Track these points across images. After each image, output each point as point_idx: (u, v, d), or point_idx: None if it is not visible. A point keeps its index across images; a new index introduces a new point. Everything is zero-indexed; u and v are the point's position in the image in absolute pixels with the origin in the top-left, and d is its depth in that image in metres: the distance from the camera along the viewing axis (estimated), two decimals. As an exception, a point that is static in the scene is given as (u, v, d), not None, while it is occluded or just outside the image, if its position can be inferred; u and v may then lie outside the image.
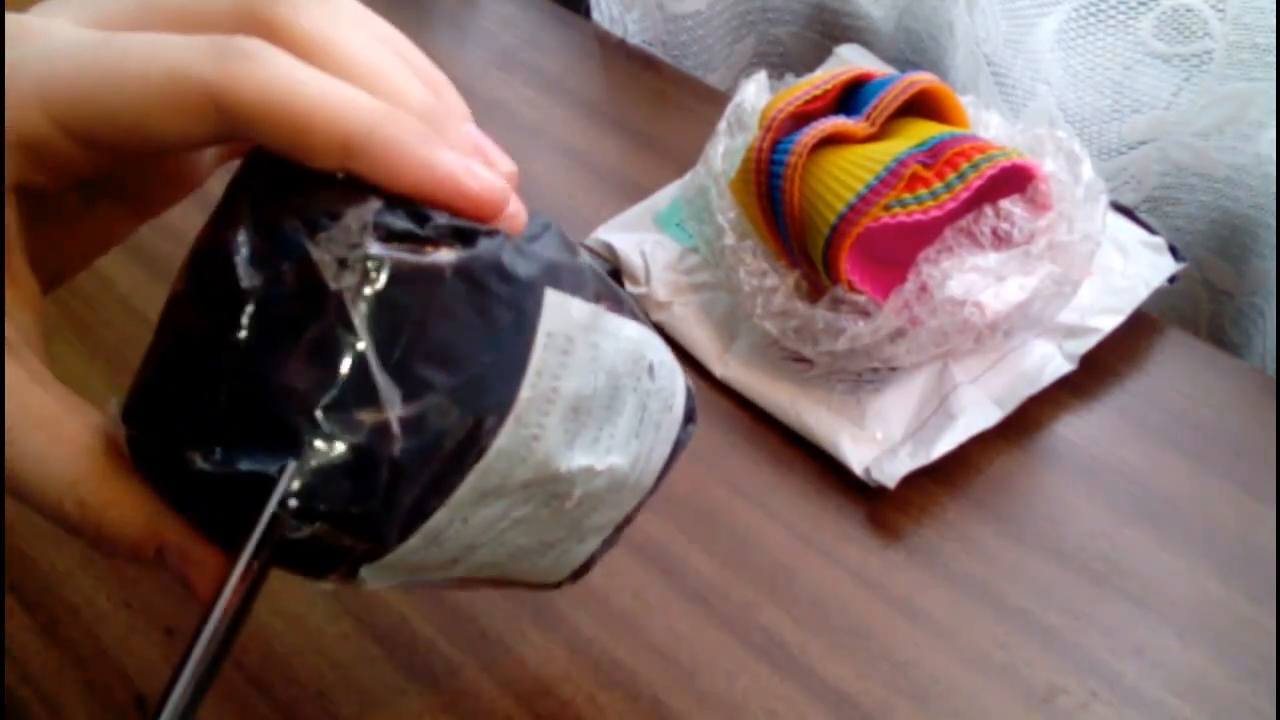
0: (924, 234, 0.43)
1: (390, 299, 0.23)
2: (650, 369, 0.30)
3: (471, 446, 0.24)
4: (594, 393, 0.27)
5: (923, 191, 0.43)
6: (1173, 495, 0.44)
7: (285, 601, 0.43)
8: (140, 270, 0.55)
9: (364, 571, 0.25)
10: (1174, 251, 0.49)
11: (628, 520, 0.34)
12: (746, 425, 0.47)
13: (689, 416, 0.34)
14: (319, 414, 0.22)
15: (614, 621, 0.42)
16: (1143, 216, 0.50)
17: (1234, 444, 0.45)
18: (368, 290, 0.23)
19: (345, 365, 0.22)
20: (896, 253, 0.43)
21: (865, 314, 0.44)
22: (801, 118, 0.46)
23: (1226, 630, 0.40)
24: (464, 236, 0.24)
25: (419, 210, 0.24)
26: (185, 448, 0.23)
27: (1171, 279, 0.49)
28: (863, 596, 0.42)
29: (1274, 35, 0.47)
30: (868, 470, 0.44)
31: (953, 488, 0.44)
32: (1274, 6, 0.47)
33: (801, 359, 0.47)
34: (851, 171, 0.43)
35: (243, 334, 0.23)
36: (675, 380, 0.32)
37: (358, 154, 0.23)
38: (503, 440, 0.25)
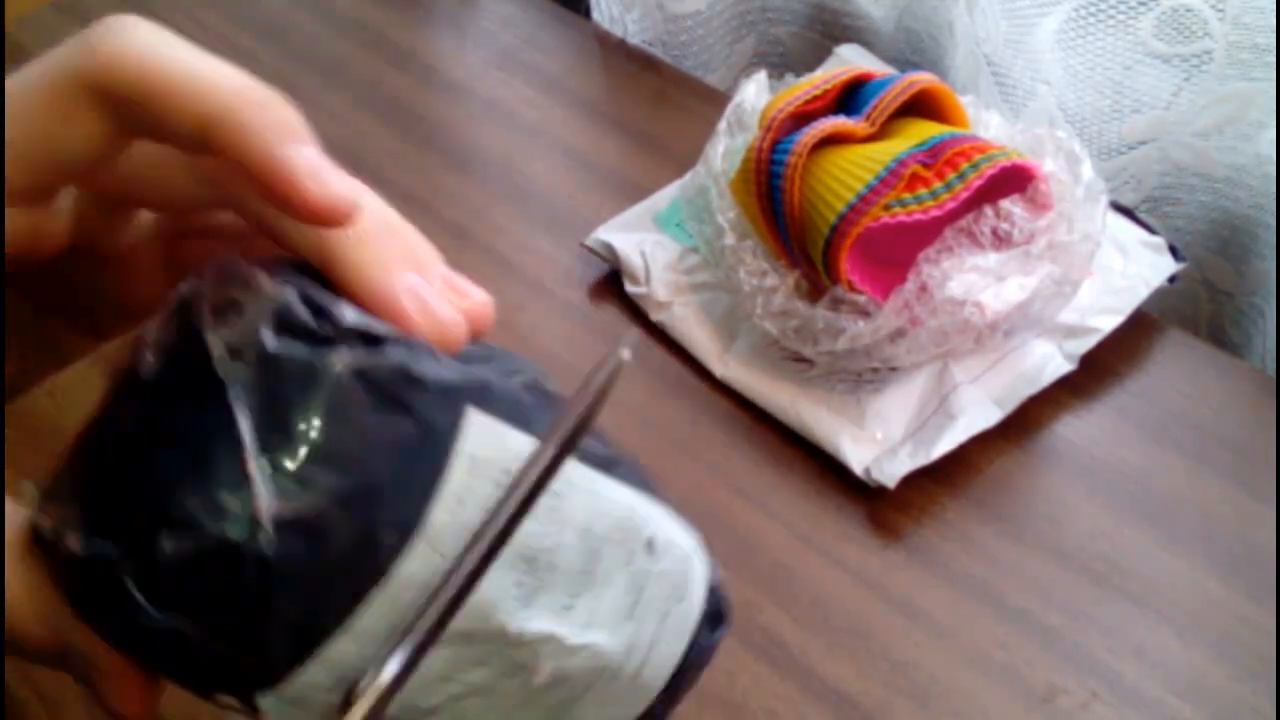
0: (924, 234, 0.43)
1: (276, 392, 0.22)
2: (649, 544, 0.28)
3: (365, 562, 0.23)
4: (557, 548, 0.25)
5: (923, 191, 0.43)
6: (1173, 495, 0.44)
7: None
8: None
9: (261, 701, 0.23)
10: (1174, 251, 0.49)
11: None
12: (746, 425, 0.47)
13: (716, 618, 0.31)
14: (183, 500, 0.21)
15: (614, 621, 0.42)
16: (1143, 216, 0.50)
17: (1234, 444, 0.45)
18: (253, 380, 0.22)
19: (219, 454, 0.21)
20: (896, 253, 0.43)
21: (865, 314, 0.44)
22: (801, 118, 0.46)
23: (1226, 630, 0.40)
24: (370, 339, 0.23)
25: (329, 309, 0.23)
26: (62, 534, 0.22)
27: (1171, 279, 0.49)
28: (863, 596, 0.42)
29: (1274, 35, 0.47)
30: (868, 470, 0.44)
31: (953, 488, 0.44)
32: (1274, 6, 0.47)
33: (801, 359, 0.47)
34: (851, 171, 0.43)
35: (130, 421, 0.22)
36: (689, 569, 0.30)
37: (212, 135, 0.22)
38: (410, 566, 0.23)
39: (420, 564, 0.23)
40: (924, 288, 0.43)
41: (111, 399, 0.23)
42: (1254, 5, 0.47)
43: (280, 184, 0.22)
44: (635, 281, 0.52)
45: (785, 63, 0.71)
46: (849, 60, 0.59)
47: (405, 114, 0.64)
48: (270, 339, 0.22)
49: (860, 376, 0.47)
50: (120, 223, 0.26)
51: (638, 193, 0.56)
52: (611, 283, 0.53)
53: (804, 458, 0.46)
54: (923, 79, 0.46)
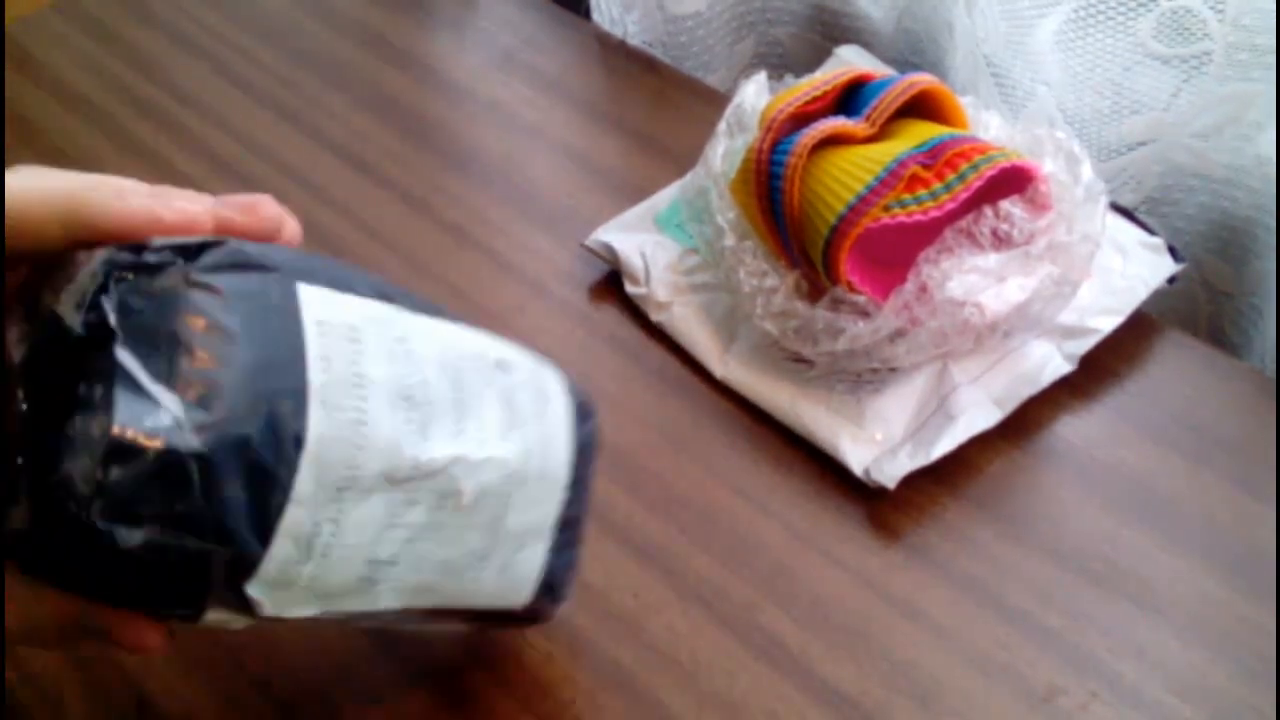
0: (924, 234, 0.43)
1: (135, 323, 0.25)
2: (500, 363, 0.32)
3: (282, 433, 0.26)
4: (425, 383, 0.30)
5: (922, 192, 0.43)
6: (1172, 496, 0.44)
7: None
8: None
9: (252, 590, 0.27)
10: (1173, 252, 0.49)
11: (568, 525, 0.36)
12: (746, 425, 0.48)
13: (584, 412, 0.36)
14: (105, 436, 0.24)
15: (614, 622, 0.42)
16: (1142, 217, 0.50)
17: (1233, 444, 0.45)
18: (111, 321, 0.25)
19: (117, 393, 0.25)
20: (896, 253, 0.43)
21: (865, 314, 0.44)
22: (801, 119, 0.46)
23: (1226, 630, 0.40)
24: (188, 251, 0.27)
25: (141, 245, 0.26)
26: (13, 512, 0.25)
27: (1171, 280, 0.49)
28: (863, 597, 0.42)
29: (1273, 36, 0.47)
30: (867, 471, 0.44)
31: (952, 488, 0.44)
32: (1273, 8, 0.47)
33: (801, 359, 0.47)
34: (851, 172, 0.43)
35: (22, 405, 0.25)
36: (544, 376, 0.34)
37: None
38: (318, 425, 0.27)
39: (324, 423, 0.27)
40: (924, 288, 0.43)
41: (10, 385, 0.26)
42: (1253, 6, 0.47)
43: (129, 216, 0.28)
44: (635, 282, 0.52)
45: (785, 64, 0.71)
46: (849, 61, 0.59)
47: (405, 114, 0.64)
48: (110, 289, 0.26)
49: (860, 377, 0.47)
50: None
51: (638, 193, 0.56)
52: (611, 283, 0.53)
53: (804, 458, 0.46)
54: (922, 80, 0.46)
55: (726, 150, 0.50)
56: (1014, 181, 0.44)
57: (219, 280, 0.26)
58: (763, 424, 0.47)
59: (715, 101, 0.59)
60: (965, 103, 0.48)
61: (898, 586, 0.42)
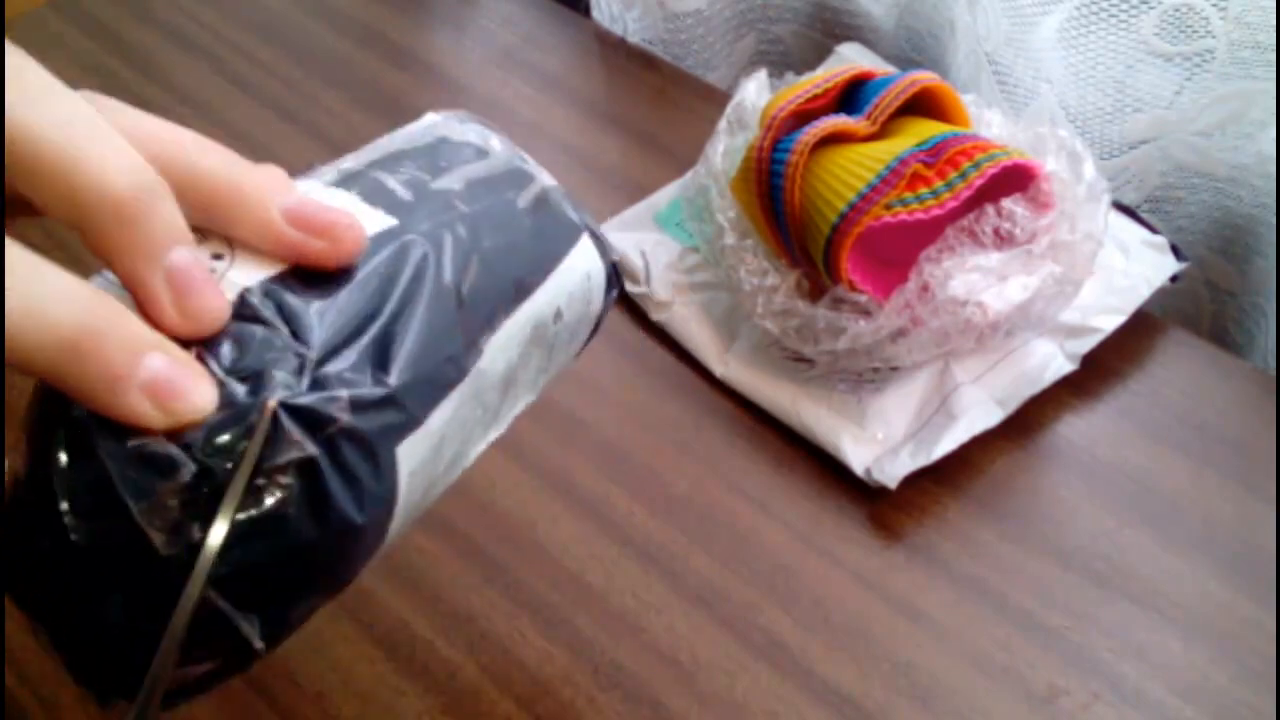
0: (925, 233, 0.43)
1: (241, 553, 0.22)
2: (555, 316, 0.31)
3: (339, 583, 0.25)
4: (482, 413, 0.28)
5: (924, 190, 0.43)
6: (1175, 496, 0.44)
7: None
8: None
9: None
10: (1176, 251, 0.49)
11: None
12: (747, 425, 0.47)
13: (610, 287, 0.34)
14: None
15: (614, 622, 0.41)
16: (1144, 216, 0.50)
17: (1236, 444, 0.45)
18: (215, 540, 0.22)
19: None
20: (898, 252, 0.43)
21: (866, 313, 0.44)
22: (802, 116, 0.46)
23: (1228, 631, 0.40)
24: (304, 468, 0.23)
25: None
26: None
27: (1173, 278, 0.48)
28: (863, 597, 0.42)
29: (1275, 34, 0.47)
30: (868, 470, 0.44)
31: (954, 488, 0.44)
32: (1275, 5, 0.47)
33: (802, 359, 0.47)
34: (852, 170, 0.43)
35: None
36: (590, 287, 0.32)
37: (83, 239, 0.22)
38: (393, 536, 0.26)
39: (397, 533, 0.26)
40: (925, 287, 0.43)
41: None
42: (1256, 4, 0.47)
43: (143, 303, 0.22)
44: (635, 281, 0.52)
45: (786, 61, 0.71)
46: (850, 59, 0.59)
47: (405, 112, 0.63)
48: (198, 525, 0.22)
49: (861, 376, 0.46)
50: None
51: (638, 192, 0.56)
52: (612, 282, 0.53)
53: (804, 458, 0.46)
54: (924, 78, 0.46)
55: (727, 148, 0.50)
56: (1016, 180, 0.44)
57: (322, 514, 0.23)
58: (763, 424, 0.47)
59: (716, 99, 0.59)
60: (967, 101, 0.48)
61: (899, 587, 0.42)
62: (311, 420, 0.22)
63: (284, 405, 0.22)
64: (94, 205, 0.21)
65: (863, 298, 0.43)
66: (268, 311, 0.24)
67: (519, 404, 0.31)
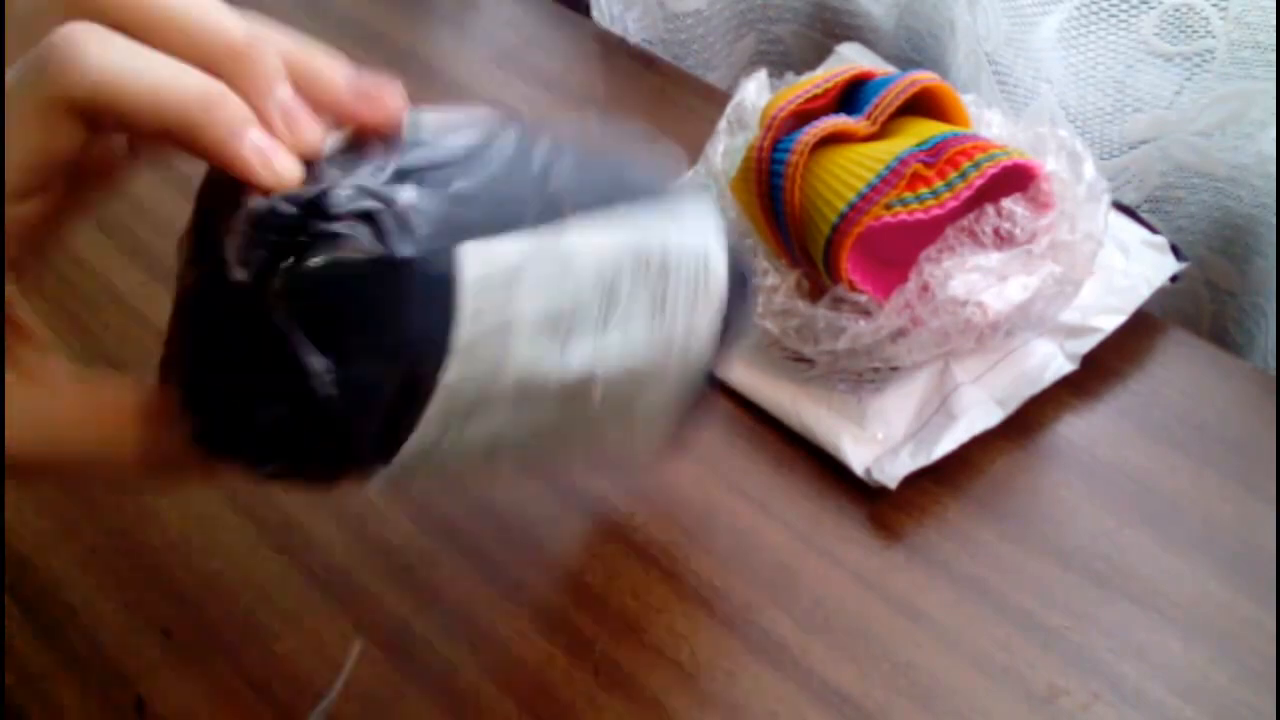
0: (925, 233, 0.43)
1: (311, 301, 0.27)
2: (662, 264, 0.32)
3: (416, 387, 0.28)
4: (575, 302, 0.30)
5: (924, 190, 0.43)
6: (1175, 496, 0.44)
7: (285, 602, 0.43)
8: (139, 272, 0.55)
9: (374, 482, 0.30)
10: (1176, 251, 0.49)
11: (702, 396, 0.36)
12: (747, 425, 0.47)
13: (740, 281, 0.35)
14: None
15: (614, 622, 0.42)
16: (1144, 216, 0.50)
17: (1236, 444, 0.45)
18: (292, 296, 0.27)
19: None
20: (898, 252, 0.43)
21: (866, 313, 0.44)
22: (802, 116, 0.46)
23: (1228, 631, 0.40)
24: (365, 217, 0.27)
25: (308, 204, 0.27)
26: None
27: (1173, 278, 0.48)
28: (863, 597, 0.42)
29: (1275, 34, 0.47)
30: (868, 470, 0.44)
31: (954, 488, 0.44)
32: (1275, 5, 0.47)
33: (802, 359, 0.47)
34: (852, 170, 0.43)
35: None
36: (707, 259, 0.33)
37: (174, 141, 0.27)
38: (454, 374, 0.29)
39: (460, 371, 0.29)
40: (925, 287, 0.43)
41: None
42: (1256, 4, 0.47)
43: (239, 173, 0.27)
44: (635, 281, 0.52)
45: (786, 61, 0.71)
46: (850, 59, 0.59)
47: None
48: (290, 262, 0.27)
49: (861, 376, 0.46)
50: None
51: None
52: (612, 282, 0.53)
53: (804, 458, 0.46)
54: (924, 78, 0.46)
55: (727, 148, 0.50)
56: (1016, 180, 0.44)
57: (383, 279, 0.27)
58: (763, 424, 0.47)
59: (716, 99, 0.59)
60: (967, 101, 0.48)
61: (899, 587, 0.42)
62: (373, 194, 0.27)
63: (357, 187, 0.27)
64: (220, 46, 0.27)
65: (863, 298, 0.43)
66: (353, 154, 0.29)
67: (633, 344, 0.32)
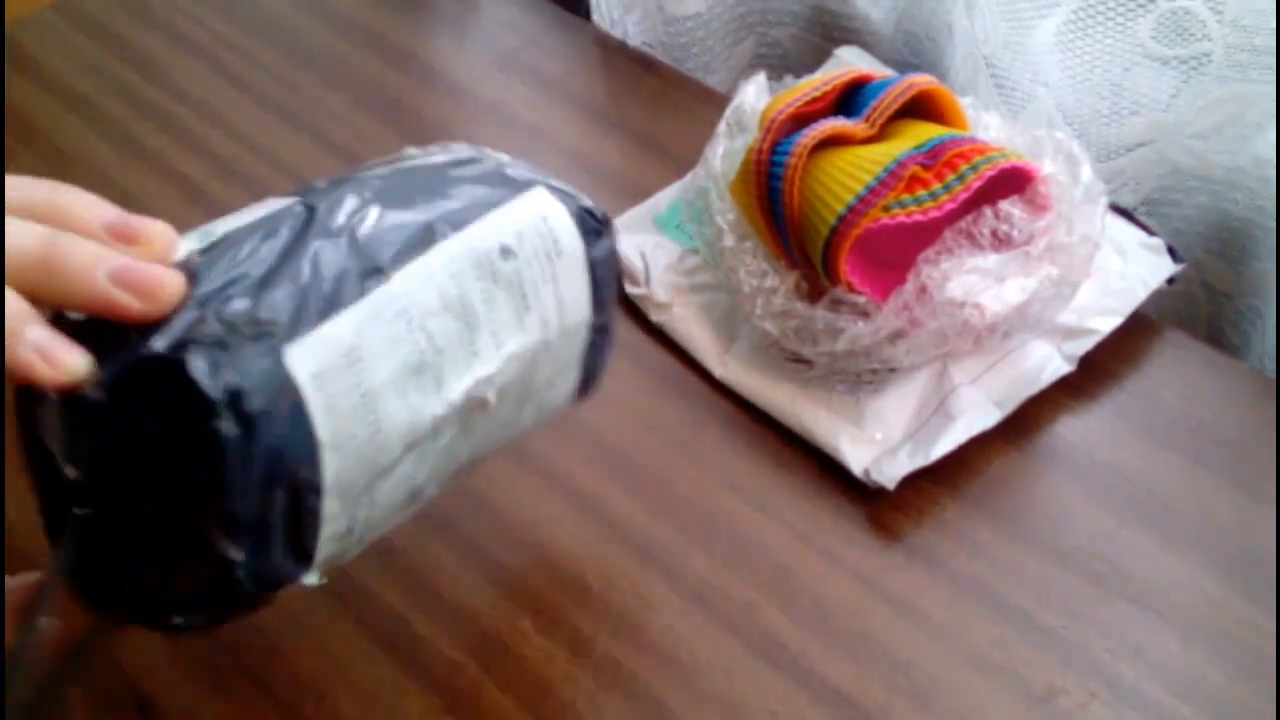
0: (923, 235, 0.43)
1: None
2: (504, 251, 0.32)
3: (302, 497, 0.28)
4: (432, 341, 0.30)
5: (922, 193, 0.43)
6: (1171, 496, 0.44)
7: (287, 602, 0.43)
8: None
9: (307, 578, 0.30)
10: (1172, 253, 0.49)
11: (598, 335, 0.36)
12: (746, 425, 0.48)
13: (595, 230, 0.35)
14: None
15: (614, 622, 0.42)
16: (1141, 218, 0.50)
17: (1233, 445, 0.45)
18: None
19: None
20: (896, 254, 0.44)
21: (865, 315, 0.44)
22: (801, 119, 0.46)
23: (1225, 631, 0.40)
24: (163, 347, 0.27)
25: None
26: None
27: (1170, 280, 0.49)
28: (862, 597, 0.42)
29: (1273, 37, 0.47)
30: (867, 471, 0.44)
31: (952, 488, 0.45)
32: (1273, 8, 0.47)
33: (801, 360, 0.47)
34: (851, 173, 0.43)
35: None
36: (549, 227, 0.34)
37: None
38: (332, 467, 0.28)
39: (338, 461, 0.29)
40: (923, 289, 0.43)
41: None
42: (1252, 7, 0.48)
43: (25, 380, 0.26)
44: (635, 283, 0.52)
45: (785, 65, 0.71)
46: (848, 62, 0.59)
47: (406, 115, 0.64)
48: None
49: (859, 377, 0.47)
50: None
51: (638, 194, 0.56)
52: (611, 284, 0.53)
53: (804, 458, 0.46)
54: (922, 81, 0.46)
55: (726, 151, 0.50)
56: (1013, 182, 0.44)
57: (208, 385, 0.26)
58: (763, 424, 0.47)
59: (715, 102, 0.59)
60: (965, 103, 0.48)
61: (897, 586, 0.42)
62: (178, 344, 0.27)
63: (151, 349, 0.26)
64: None
65: (861, 299, 0.44)
66: None
67: (509, 341, 0.32)
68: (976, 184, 0.43)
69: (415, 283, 0.30)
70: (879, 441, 0.45)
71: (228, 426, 0.26)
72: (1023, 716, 0.38)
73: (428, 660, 0.41)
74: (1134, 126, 0.54)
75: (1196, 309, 0.58)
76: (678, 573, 0.43)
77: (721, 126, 0.52)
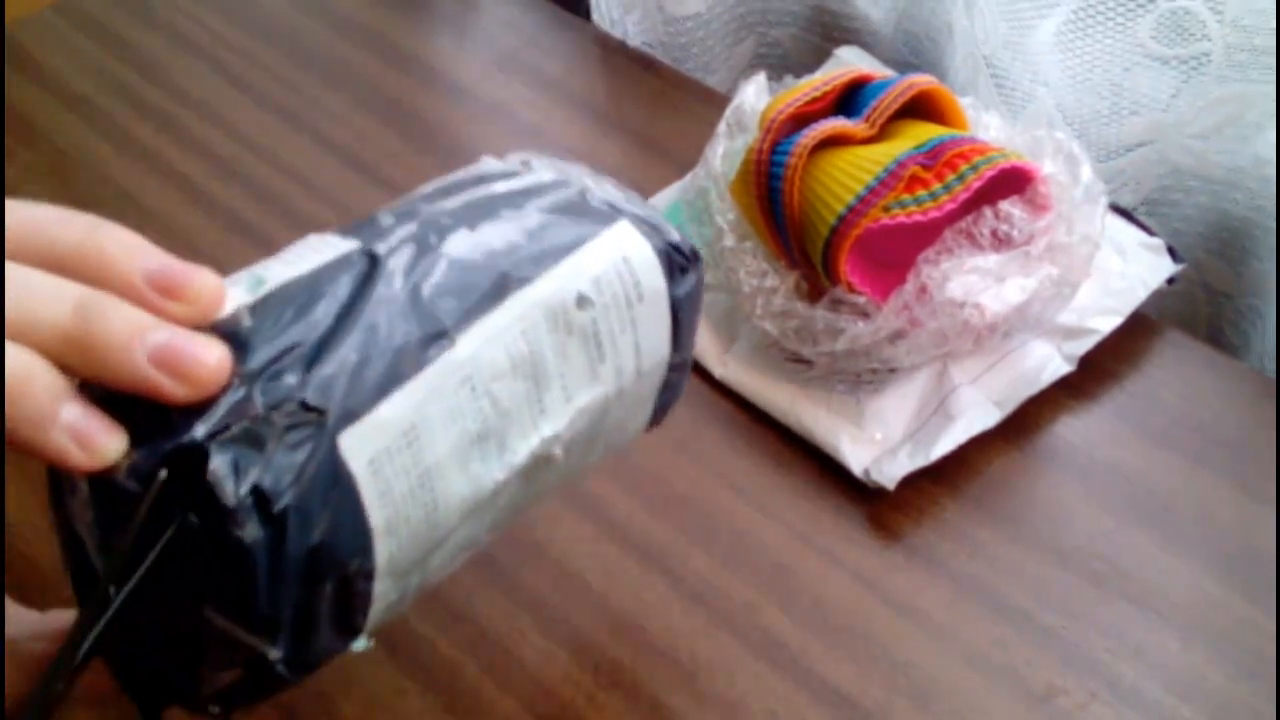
0: (923, 235, 0.43)
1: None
2: (580, 301, 0.29)
3: (353, 585, 0.26)
4: (496, 405, 0.28)
5: (922, 193, 0.43)
6: (1171, 496, 0.44)
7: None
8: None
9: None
10: (1172, 253, 0.49)
11: (673, 373, 0.33)
12: (746, 425, 0.48)
13: (681, 267, 0.32)
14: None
15: (614, 621, 0.42)
16: (1141, 218, 0.50)
17: (1232, 445, 0.45)
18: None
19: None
20: (896, 254, 0.44)
21: (865, 315, 0.44)
22: (801, 119, 0.46)
23: (1225, 631, 0.40)
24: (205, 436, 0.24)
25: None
26: None
27: (1170, 280, 0.49)
28: (862, 597, 0.42)
29: (1272, 37, 0.47)
30: (867, 471, 0.44)
31: (952, 488, 0.45)
32: (1273, 8, 0.47)
33: (801, 360, 0.47)
34: (851, 173, 0.43)
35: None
36: (633, 270, 0.31)
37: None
38: (385, 551, 0.26)
39: (391, 544, 0.27)
40: (923, 289, 0.43)
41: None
42: (1252, 7, 0.48)
43: (57, 466, 0.24)
44: (635, 283, 0.52)
45: (785, 65, 0.71)
46: (848, 62, 0.59)
47: (406, 115, 0.64)
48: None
49: (860, 377, 0.47)
50: None
51: (638, 194, 0.56)
52: (611, 284, 0.53)
53: (803, 458, 0.46)
54: (922, 81, 0.46)
55: (726, 151, 0.50)
56: (1013, 182, 0.44)
57: (228, 488, 0.24)
58: (762, 424, 0.47)
59: (715, 102, 0.59)
60: (965, 104, 0.48)
61: (897, 586, 0.42)
62: (224, 421, 0.24)
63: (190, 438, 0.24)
64: None
65: (861, 299, 0.44)
66: None
67: (580, 395, 0.30)
68: (976, 184, 0.43)
69: (482, 344, 0.27)
70: (879, 441, 0.45)
71: (252, 530, 0.24)
72: (1023, 716, 0.39)
73: (429, 659, 0.41)
74: (1134, 126, 0.54)
75: (1196, 309, 0.58)
76: (678, 573, 0.43)
77: (721, 126, 0.52)
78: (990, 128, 0.48)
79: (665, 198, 0.56)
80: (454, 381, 0.27)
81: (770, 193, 0.45)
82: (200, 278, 0.25)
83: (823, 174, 0.44)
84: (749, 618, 0.42)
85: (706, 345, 0.50)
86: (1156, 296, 0.48)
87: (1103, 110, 0.54)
